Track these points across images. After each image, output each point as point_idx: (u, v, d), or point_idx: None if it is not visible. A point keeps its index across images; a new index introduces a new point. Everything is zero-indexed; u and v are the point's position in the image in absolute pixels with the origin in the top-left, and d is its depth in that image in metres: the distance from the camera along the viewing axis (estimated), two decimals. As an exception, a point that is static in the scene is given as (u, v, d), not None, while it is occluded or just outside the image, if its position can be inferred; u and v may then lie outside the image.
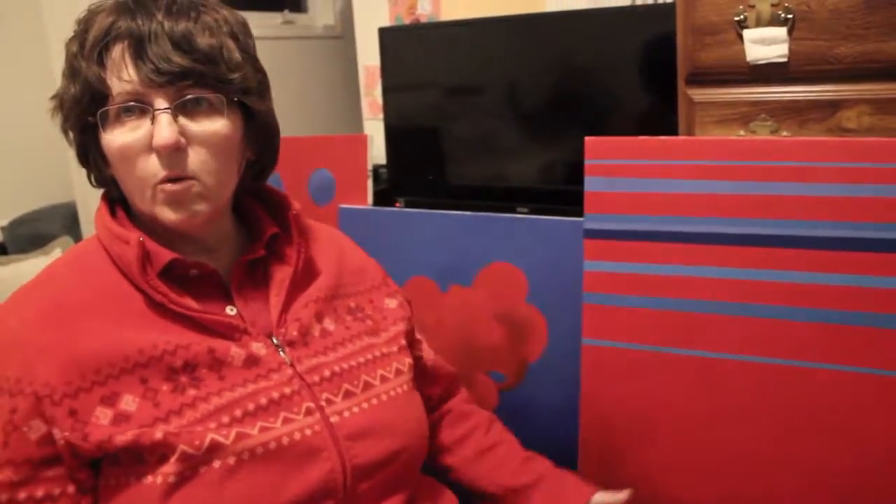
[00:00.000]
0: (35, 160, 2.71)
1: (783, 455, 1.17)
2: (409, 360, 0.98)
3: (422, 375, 1.07)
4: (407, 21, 2.55)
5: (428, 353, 1.12)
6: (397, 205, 2.15)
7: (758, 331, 1.17)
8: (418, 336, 1.12)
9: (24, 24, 2.57)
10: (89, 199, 2.53)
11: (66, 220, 2.71)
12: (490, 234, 1.48)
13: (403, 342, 1.00)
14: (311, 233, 0.98)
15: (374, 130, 2.42)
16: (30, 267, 2.47)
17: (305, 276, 0.93)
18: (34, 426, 0.74)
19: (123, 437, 0.75)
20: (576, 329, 1.29)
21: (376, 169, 2.33)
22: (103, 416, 0.76)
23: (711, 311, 1.19)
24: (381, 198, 2.12)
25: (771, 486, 1.18)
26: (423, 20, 2.51)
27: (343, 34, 3.15)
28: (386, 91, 2.19)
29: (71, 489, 0.76)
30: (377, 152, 2.23)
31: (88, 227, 2.60)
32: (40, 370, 0.75)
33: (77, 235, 2.64)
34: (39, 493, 0.75)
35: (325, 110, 3.06)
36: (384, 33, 2.18)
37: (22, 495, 0.75)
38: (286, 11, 3.07)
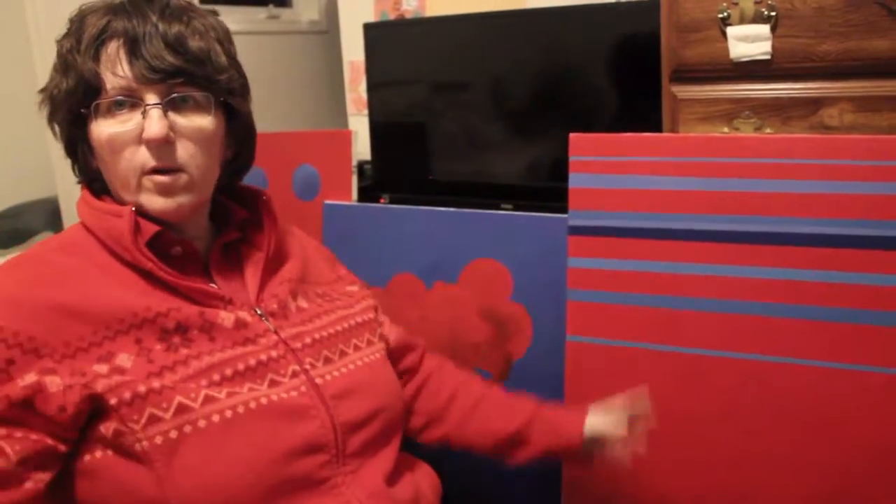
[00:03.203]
0: (16, 155, 2.68)
1: (767, 450, 1.17)
2: (379, 331, 1.05)
3: (390, 355, 1.10)
4: (392, 17, 2.54)
5: (391, 332, 1.13)
6: (382, 201, 2.15)
7: (741, 327, 1.18)
8: (381, 318, 1.14)
9: (6, 22, 2.55)
10: (72, 195, 2.50)
11: (48, 216, 2.68)
12: (475, 231, 1.48)
13: (371, 315, 1.06)
14: (283, 226, 1.04)
15: (359, 126, 2.41)
16: (11, 263, 2.45)
17: (277, 258, 0.99)
18: (27, 378, 0.75)
19: (121, 390, 0.77)
20: (560, 326, 1.30)
21: (361, 165, 2.32)
22: (101, 368, 0.78)
23: (695, 308, 1.20)
24: (366, 194, 2.12)
25: (755, 481, 1.18)
26: (408, 16, 2.50)
27: (328, 29, 3.13)
28: (370, 87, 2.18)
29: (34, 437, 0.76)
30: (362, 148, 2.21)
31: (70, 223, 2.57)
32: (38, 329, 0.77)
33: (59, 231, 2.62)
34: (2, 430, 0.75)
35: (310, 106, 3.04)
36: (369, 29, 2.17)
37: None
38: (271, 6, 3.05)
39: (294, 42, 3.09)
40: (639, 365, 1.23)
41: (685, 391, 1.21)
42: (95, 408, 0.78)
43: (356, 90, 2.69)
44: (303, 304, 0.98)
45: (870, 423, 1.11)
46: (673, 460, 1.22)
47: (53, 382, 0.76)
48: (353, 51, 2.61)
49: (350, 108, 2.76)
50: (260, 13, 3.02)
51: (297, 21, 3.18)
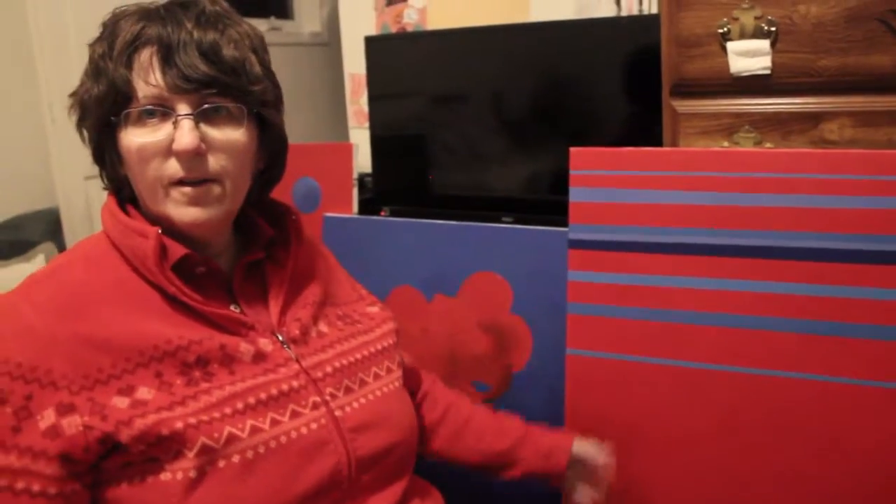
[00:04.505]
0: (16, 165, 2.69)
1: (766, 465, 1.17)
2: (398, 358, 1.02)
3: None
4: (393, 30, 2.55)
5: (404, 356, 1.14)
6: (382, 214, 2.15)
7: (741, 341, 1.18)
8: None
9: (7, 30, 2.56)
10: (72, 205, 2.51)
11: (48, 227, 2.68)
12: (475, 244, 1.48)
13: (392, 341, 1.03)
14: (307, 244, 1.01)
15: (360, 139, 2.41)
16: (11, 274, 2.45)
17: (301, 280, 0.96)
18: (46, 416, 0.74)
19: (143, 420, 0.76)
20: (560, 339, 1.30)
21: (361, 177, 2.33)
22: (121, 402, 0.77)
23: (695, 322, 1.20)
24: (366, 206, 2.12)
25: (754, 496, 1.18)
26: (410, 29, 2.51)
27: (329, 42, 3.15)
28: (372, 100, 2.19)
29: (52, 490, 0.75)
30: (362, 161, 2.22)
31: (71, 234, 2.58)
32: (56, 361, 0.76)
33: (60, 242, 2.62)
34: (20, 484, 0.74)
35: (311, 118, 3.05)
36: (370, 42, 2.18)
37: (3, 482, 0.74)
38: (272, 18, 3.07)
39: (295, 54, 3.10)
40: (638, 378, 1.23)
41: (685, 405, 1.21)
42: (116, 445, 0.77)
43: (357, 103, 2.70)
44: (323, 328, 0.95)
45: (869, 438, 1.11)
46: (672, 473, 1.22)
47: (72, 424, 0.75)
48: (355, 63, 2.62)
49: (351, 120, 2.77)
50: (261, 24, 3.03)
51: (298, 33, 3.20)
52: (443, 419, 1.14)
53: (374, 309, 1.06)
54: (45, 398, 0.75)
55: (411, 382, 1.15)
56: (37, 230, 2.67)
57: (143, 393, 0.78)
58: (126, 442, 0.76)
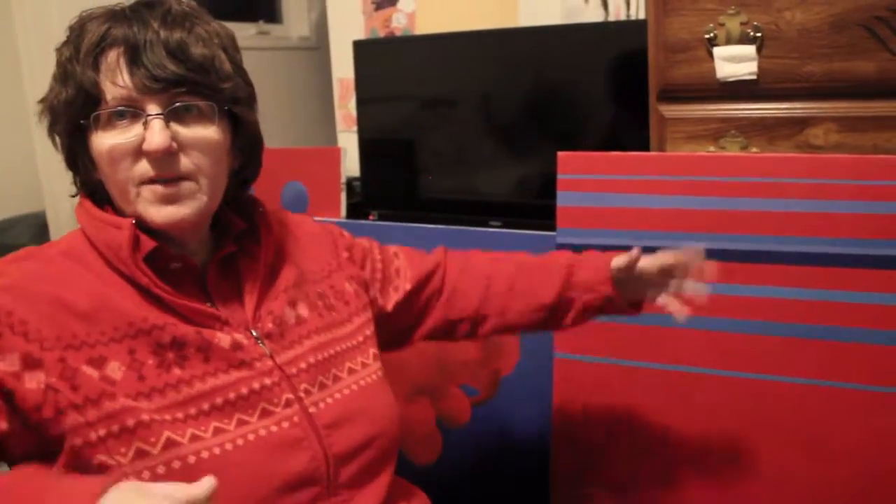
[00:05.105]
0: (2, 169, 2.67)
1: (752, 468, 1.18)
2: (373, 351, 1.01)
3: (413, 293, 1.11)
4: (381, 34, 2.55)
5: (407, 278, 1.13)
6: (370, 218, 2.15)
7: (728, 345, 1.18)
8: (396, 268, 1.13)
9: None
10: (59, 209, 2.49)
11: (35, 230, 2.66)
12: (463, 248, 1.48)
13: (368, 332, 1.02)
14: (276, 227, 1.00)
15: (348, 143, 2.41)
16: (-3, 278, 2.43)
17: (275, 269, 0.96)
18: (10, 360, 0.74)
19: (112, 403, 0.75)
20: (547, 343, 1.30)
21: (350, 182, 2.33)
22: (91, 372, 0.76)
23: (681, 326, 1.20)
24: (354, 210, 2.12)
25: (739, 497, 1.18)
26: (398, 33, 2.51)
27: (318, 46, 3.14)
28: (360, 104, 2.19)
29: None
30: (351, 165, 2.22)
31: (58, 237, 2.55)
32: (32, 315, 0.76)
33: (46, 246, 2.60)
34: None
35: (299, 122, 3.04)
36: (359, 46, 2.18)
37: None
38: (261, 21, 3.06)
39: (284, 58, 3.09)
40: (625, 382, 1.23)
41: (671, 408, 1.22)
42: (73, 426, 0.76)
43: (345, 107, 2.70)
44: (303, 311, 0.95)
45: (852, 440, 1.12)
46: (659, 476, 1.22)
47: (34, 378, 0.74)
48: (343, 67, 2.62)
49: (339, 124, 2.76)
50: (250, 29, 3.02)
51: (287, 37, 3.19)
52: (484, 304, 1.12)
53: (350, 288, 1.04)
54: (14, 344, 0.74)
55: (432, 286, 1.14)
56: (23, 234, 2.65)
57: (114, 369, 0.78)
58: (91, 421, 0.75)
